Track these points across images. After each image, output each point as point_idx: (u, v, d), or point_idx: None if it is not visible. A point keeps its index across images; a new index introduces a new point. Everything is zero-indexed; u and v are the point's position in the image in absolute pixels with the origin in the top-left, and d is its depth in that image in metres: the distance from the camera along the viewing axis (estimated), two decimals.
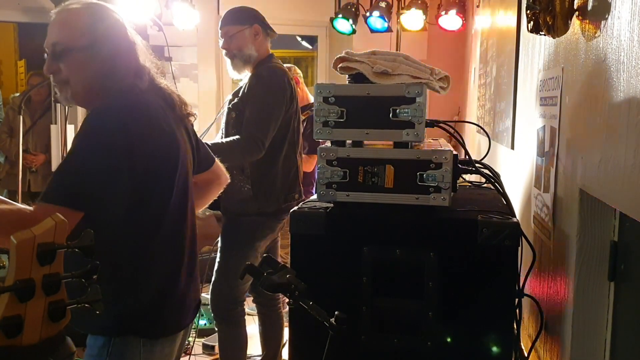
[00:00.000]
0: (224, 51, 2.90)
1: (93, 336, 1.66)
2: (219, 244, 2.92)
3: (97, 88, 1.63)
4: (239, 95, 2.85)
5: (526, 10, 1.51)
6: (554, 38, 1.52)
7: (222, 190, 2.06)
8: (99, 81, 1.63)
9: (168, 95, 1.75)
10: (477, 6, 4.54)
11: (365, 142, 1.79)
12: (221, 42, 2.89)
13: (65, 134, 4.49)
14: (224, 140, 2.77)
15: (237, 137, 2.74)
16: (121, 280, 1.62)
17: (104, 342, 1.63)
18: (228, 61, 2.92)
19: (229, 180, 2.06)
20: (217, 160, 2.00)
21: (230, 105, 2.86)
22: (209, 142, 2.69)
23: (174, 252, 1.72)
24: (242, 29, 2.85)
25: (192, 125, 1.89)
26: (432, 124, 1.82)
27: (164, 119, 1.68)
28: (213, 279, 2.89)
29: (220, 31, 2.89)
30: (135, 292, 1.65)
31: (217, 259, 2.90)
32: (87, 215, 1.49)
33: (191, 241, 1.79)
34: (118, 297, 1.58)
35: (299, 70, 4.04)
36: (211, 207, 2.54)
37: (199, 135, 1.98)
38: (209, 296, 2.95)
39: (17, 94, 5.75)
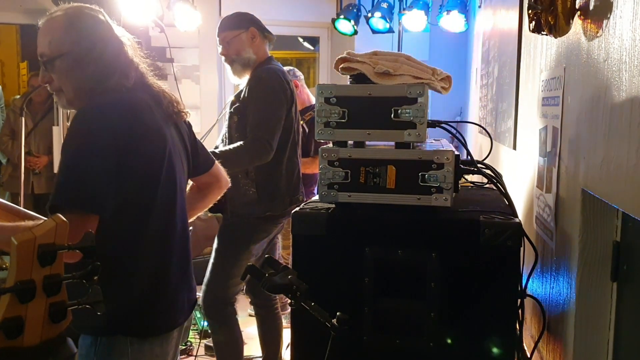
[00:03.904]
0: (223, 57, 2.93)
1: (83, 335, 1.65)
2: (214, 245, 2.92)
3: (86, 90, 1.63)
4: (240, 98, 2.85)
5: (528, 10, 1.50)
6: (555, 38, 1.52)
7: (222, 194, 2.04)
8: (87, 83, 1.63)
9: (156, 93, 1.74)
10: (479, 6, 4.54)
11: (367, 142, 1.79)
12: (220, 49, 2.92)
13: None
14: (230, 146, 2.75)
15: (243, 141, 2.74)
16: (108, 280, 1.60)
17: (92, 342, 1.62)
18: (228, 67, 2.94)
19: (230, 185, 2.05)
20: (217, 162, 1.99)
21: (232, 109, 2.86)
22: (217, 150, 2.68)
23: (163, 251, 1.69)
24: (239, 33, 2.87)
25: (189, 126, 1.88)
26: (433, 124, 1.81)
27: (150, 116, 1.67)
28: (205, 278, 2.89)
29: (217, 38, 2.92)
30: (122, 291, 1.62)
31: (211, 259, 2.90)
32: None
33: (182, 239, 1.76)
34: (105, 297, 1.57)
35: (298, 73, 4.00)
36: (213, 210, 2.54)
37: (201, 137, 1.96)
38: None
39: (18, 96, 5.76)
